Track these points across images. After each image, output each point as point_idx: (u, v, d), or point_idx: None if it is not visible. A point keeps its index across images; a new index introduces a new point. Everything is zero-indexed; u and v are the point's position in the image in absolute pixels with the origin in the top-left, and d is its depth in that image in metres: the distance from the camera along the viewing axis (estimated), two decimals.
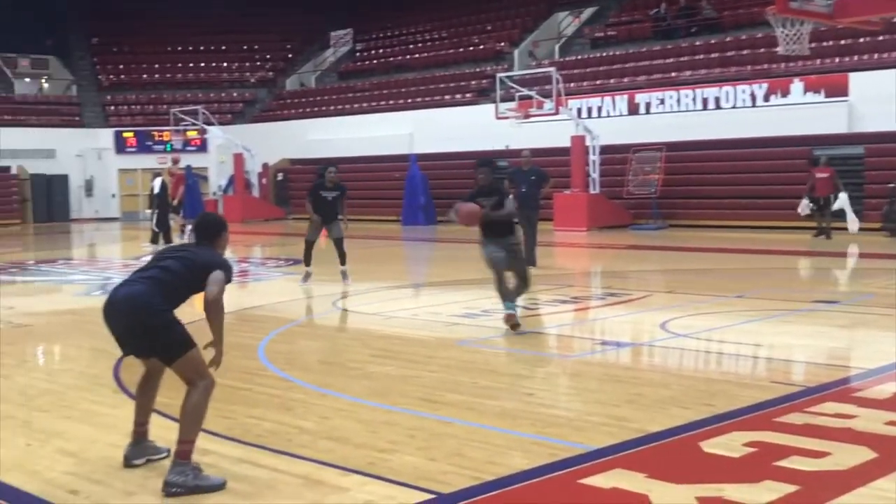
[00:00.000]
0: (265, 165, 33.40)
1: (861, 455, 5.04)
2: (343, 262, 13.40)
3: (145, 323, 4.83)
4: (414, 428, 5.86)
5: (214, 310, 4.90)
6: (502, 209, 9.26)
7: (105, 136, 36.27)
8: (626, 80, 26.76)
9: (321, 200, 13.10)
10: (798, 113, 22.27)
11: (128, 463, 5.20)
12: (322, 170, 13.72)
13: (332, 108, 34.18)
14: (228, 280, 4.98)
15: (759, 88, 23.26)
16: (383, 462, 5.15)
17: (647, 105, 25.11)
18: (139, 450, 5.25)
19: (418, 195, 27.83)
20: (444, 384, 7.10)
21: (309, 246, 13.43)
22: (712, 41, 26.72)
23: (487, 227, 9.25)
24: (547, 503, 4.62)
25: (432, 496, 4.61)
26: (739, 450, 5.18)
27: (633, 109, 25.34)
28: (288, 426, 5.96)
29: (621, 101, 25.60)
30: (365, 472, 4.98)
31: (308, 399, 6.73)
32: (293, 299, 12.40)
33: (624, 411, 6.14)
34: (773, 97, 23.02)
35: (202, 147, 35.30)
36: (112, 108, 38.07)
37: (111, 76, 39.05)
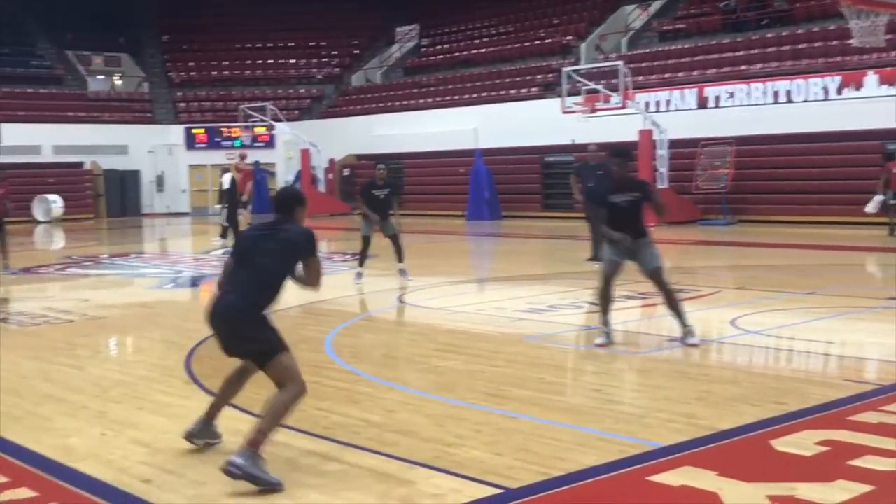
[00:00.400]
0: (331, 161, 33.67)
1: None
2: (401, 259, 13.31)
3: (240, 330, 5.08)
4: (480, 422, 5.86)
5: (312, 288, 5.43)
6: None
7: (176, 132, 36.90)
8: (695, 73, 26.42)
9: (373, 199, 13.11)
10: (872, 106, 21.74)
11: (189, 439, 5.40)
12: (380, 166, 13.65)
13: (397, 103, 34.31)
14: (316, 248, 5.28)
15: (832, 81, 22.77)
16: (449, 456, 5.16)
17: (717, 98, 24.74)
18: (204, 431, 5.40)
19: (483, 190, 27.82)
20: (510, 379, 7.09)
21: (366, 244, 13.34)
22: (784, 33, 26.22)
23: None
24: (615, 500, 4.59)
25: (499, 490, 4.60)
26: (811, 448, 5.09)
27: (702, 103, 24.99)
28: (355, 419, 6.01)
29: (690, 94, 25.27)
30: (431, 465, 5.00)
31: (374, 392, 6.77)
32: (358, 294, 12.49)
33: (693, 408, 6.06)
34: (846, 90, 22.51)
35: (270, 143, 35.69)
36: (182, 104, 38.71)
37: (182, 73, 39.71)
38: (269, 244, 5.17)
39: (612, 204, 8.22)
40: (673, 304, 8.35)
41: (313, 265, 5.26)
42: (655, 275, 8.32)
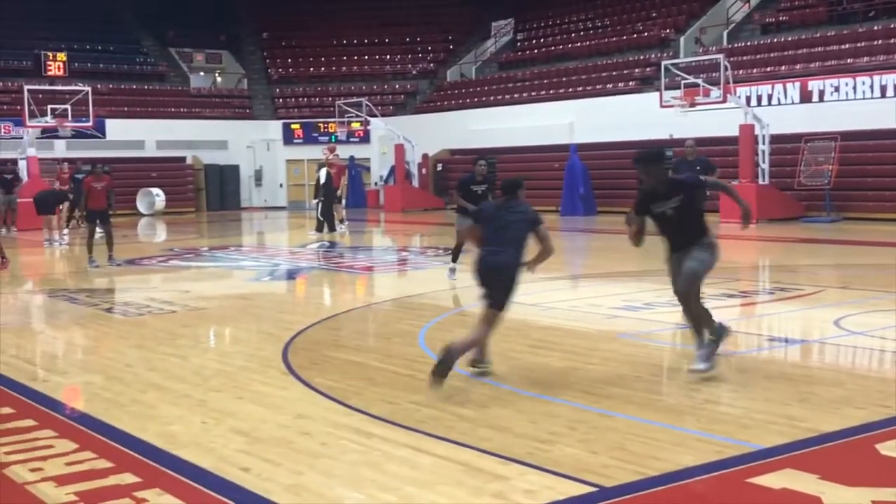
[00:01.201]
0: (425, 156, 33.81)
1: None
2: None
3: (509, 281, 6.81)
4: (575, 420, 5.81)
5: (550, 253, 7.10)
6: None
7: (274, 127, 37.54)
8: (798, 66, 25.72)
9: (472, 194, 13.04)
10: None
11: (474, 365, 7.01)
12: (476, 162, 13.55)
13: (492, 98, 34.26)
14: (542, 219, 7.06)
15: None
16: (543, 452, 5.13)
17: (821, 93, 24.05)
18: (481, 361, 7.04)
19: (578, 185, 27.60)
20: (605, 377, 7.02)
21: (462, 240, 13.28)
22: (892, 25, 25.32)
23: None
24: (713, 502, 4.50)
25: (594, 489, 4.56)
26: None
27: (805, 97, 24.34)
28: (448, 413, 6.01)
29: (793, 88, 24.63)
30: (525, 461, 4.98)
31: (467, 387, 6.77)
32: (451, 288, 12.50)
33: (794, 410, 5.91)
34: None
35: (365, 138, 36.03)
36: (280, 100, 39.34)
37: (280, 69, 40.36)
38: (511, 216, 6.93)
39: (659, 214, 7.01)
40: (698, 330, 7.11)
41: (545, 232, 7.00)
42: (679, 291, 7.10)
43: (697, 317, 7.07)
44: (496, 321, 6.90)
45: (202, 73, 40.17)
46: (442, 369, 6.43)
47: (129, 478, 4.86)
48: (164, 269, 15.93)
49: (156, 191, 33.13)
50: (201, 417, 6.07)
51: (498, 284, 6.81)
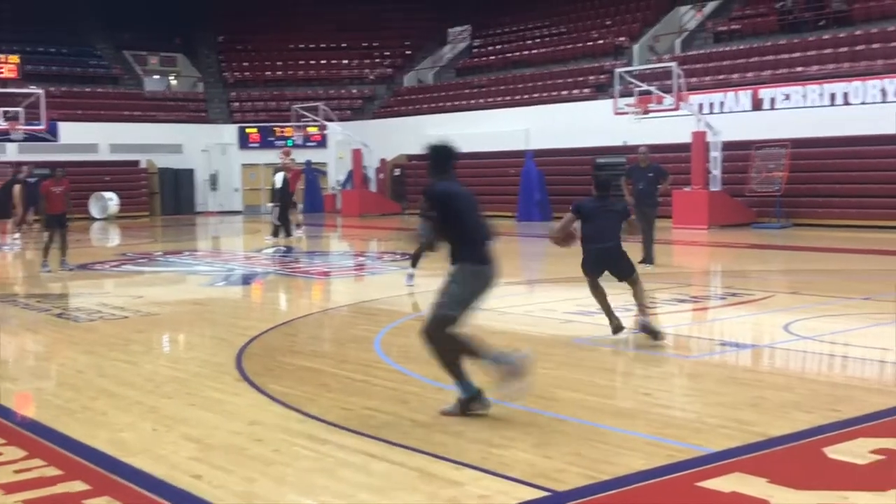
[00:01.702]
0: (383, 161, 33.80)
1: None
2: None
3: (624, 259, 8.86)
4: (529, 424, 5.84)
5: (636, 232, 9.82)
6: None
7: (229, 131, 37.32)
8: (749, 74, 26.10)
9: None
10: None
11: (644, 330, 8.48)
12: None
13: (449, 104, 34.35)
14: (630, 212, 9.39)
15: (891, 83, 22.36)
16: (497, 457, 5.15)
17: (772, 100, 24.42)
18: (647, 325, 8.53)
19: (534, 191, 27.74)
20: (559, 382, 7.06)
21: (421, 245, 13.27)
22: (841, 35, 25.80)
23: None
24: None
25: (547, 493, 4.58)
26: (866, 457, 5.00)
27: (756, 105, 24.69)
28: (403, 419, 6.02)
29: (745, 96, 24.98)
30: (479, 466, 4.99)
31: (423, 392, 6.77)
32: (408, 293, 12.51)
33: (745, 414, 5.99)
34: None
35: (322, 143, 35.94)
36: (236, 104, 39.12)
37: (236, 73, 40.14)
38: (607, 212, 8.79)
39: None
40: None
41: (632, 220, 8.99)
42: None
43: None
44: (639, 282, 8.77)
45: (157, 77, 39.84)
46: (655, 335, 8.36)
47: (78, 485, 4.81)
48: (116, 274, 15.76)
49: (109, 195, 32.77)
50: (152, 424, 6.02)
51: (622, 263, 8.78)
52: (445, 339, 5.95)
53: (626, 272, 8.81)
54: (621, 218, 8.88)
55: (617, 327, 8.80)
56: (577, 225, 8.86)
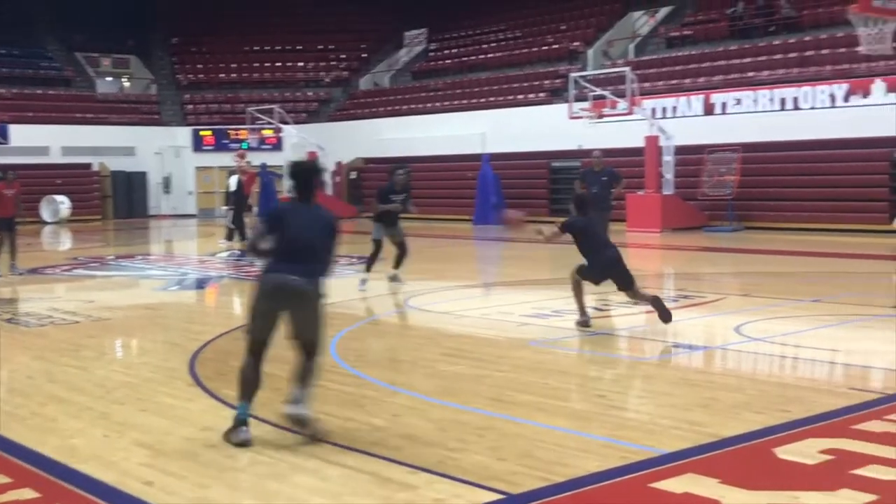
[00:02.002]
0: (339, 164, 33.70)
1: None
2: (398, 266, 13.26)
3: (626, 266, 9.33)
4: (484, 427, 5.85)
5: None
6: None
7: (183, 134, 36.97)
8: (701, 79, 26.38)
9: (390, 203, 13.05)
10: (879, 114, 21.69)
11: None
12: (393, 169, 13.64)
13: (405, 107, 34.34)
14: None
15: (839, 89, 22.74)
16: (452, 461, 5.16)
17: (724, 105, 24.71)
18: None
19: (490, 195, 27.81)
20: (514, 384, 7.09)
21: (377, 248, 13.25)
22: (791, 41, 26.18)
23: None
24: None
25: (501, 496, 4.60)
26: (815, 457, 5.07)
27: (708, 110, 24.97)
28: (359, 423, 6.01)
29: (697, 101, 25.25)
30: (434, 470, 5.00)
31: (379, 396, 6.77)
32: (364, 297, 12.48)
33: (697, 415, 6.05)
34: (853, 98, 22.47)
35: (277, 146, 35.72)
36: (190, 106, 38.77)
37: (190, 75, 39.78)
38: (595, 224, 9.69)
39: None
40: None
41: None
42: None
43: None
44: (637, 289, 9.34)
45: (109, 78, 39.37)
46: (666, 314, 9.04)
47: (28, 493, 4.74)
48: (68, 279, 15.55)
49: (60, 198, 32.31)
50: (103, 430, 5.95)
51: (624, 272, 9.24)
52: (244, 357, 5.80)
53: (627, 282, 9.30)
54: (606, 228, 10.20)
55: (584, 323, 9.22)
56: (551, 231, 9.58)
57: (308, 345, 5.76)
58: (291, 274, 5.61)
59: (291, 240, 5.68)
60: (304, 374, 5.73)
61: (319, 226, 5.80)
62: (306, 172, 6.00)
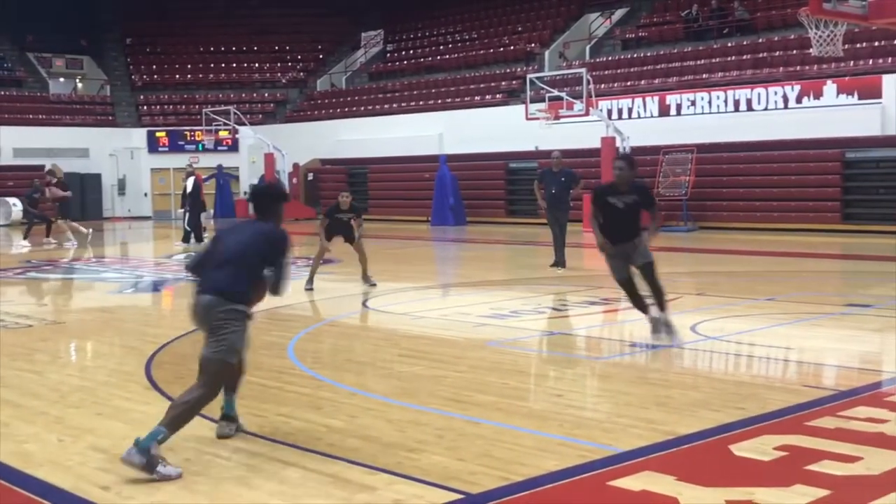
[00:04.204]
0: (296, 165, 33.53)
1: (893, 460, 4.99)
2: (364, 276, 13.20)
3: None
4: (442, 428, 5.86)
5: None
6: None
7: (138, 135, 36.59)
8: (657, 81, 26.63)
9: (337, 222, 13.16)
10: (831, 115, 22.06)
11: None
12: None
13: (362, 108, 34.28)
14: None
15: (792, 90, 23.07)
16: (411, 461, 5.16)
17: (678, 106, 24.96)
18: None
19: (448, 196, 27.84)
20: (472, 384, 7.10)
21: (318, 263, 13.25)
22: (744, 42, 26.52)
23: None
24: None
25: (460, 496, 4.61)
26: (770, 453, 5.14)
27: (663, 111, 25.21)
28: (317, 425, 5.98)
29: (652, 102, 25.48)
30: (393, 471, 5.00)
31: (337, 398, 6.75)
32: (322, 299, 12.44)
33: (653, 413, 6.11)
34: (805, 99, 22.82)
35: (233, 147, 35.49)
36: (145, 107, 38.39)
37: (144, 76, 39.38)
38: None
39: (610, 205, 8.34)
40: (660, 302, 8.39)
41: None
42: (646, 269, 8.39)
43: (663, 299, 8.46)
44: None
45: (62, 79, 38.84)
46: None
47: None
48: (20, 282, 15.32)
49: (13, 200, 31.82)
50: (58, 435, 5.87)
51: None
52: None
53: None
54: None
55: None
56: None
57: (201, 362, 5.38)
58: (204, 291, 5.39)
59: (216, 254, 5.51)
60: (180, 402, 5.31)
61: (249, 239, 5.50)
62: (262, 196, 5.80)
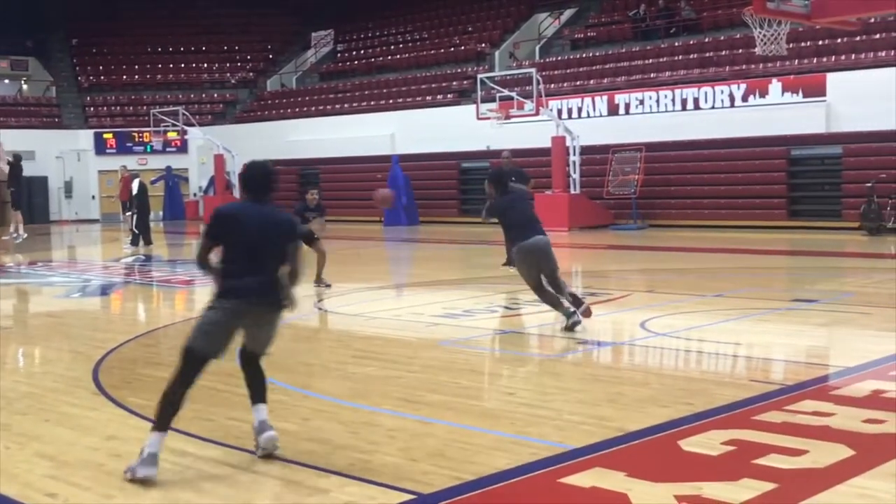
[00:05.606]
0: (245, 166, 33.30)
1: (839, 453, 5.07)
2: (318, 278, 13.13)
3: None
4: (395, 428, 5.86)
5: None
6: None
7: (85, 137, 36.08)
8: (605, 80, 26.84)
9: (305, 220, 13.12)
10: (776, 113, 22.40)
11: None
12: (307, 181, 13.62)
13: (313, 108, 34.12)
14: None
15: (738, 89, 23.38)
16: (363, 463, 5.15)
17: (627, 106, 25.18)
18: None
19: (400, 196, 27.79)
20: (425, 384, 7.11)
21: None
22: (691, 42, 26.83)
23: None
24: (527, 502, 4.64)
25: (413, 496, 4.61)
26: (718, 448, 5.21)
27: (612, 110, 25.41)
28: None
29: (601, 101, 25.67)
30: (345, 473, 4.99)
31: (289, 400, 6.71)
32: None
33: (604, 410, 6.16)
34: (751, 97, 23.13)
35: (182, 148, 35.15)
36: (91, 109, 37.87)
37: (91, 77, 38.84)
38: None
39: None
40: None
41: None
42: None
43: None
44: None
45: (7, 81, 38.22)
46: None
47: None
48: None
49: None
50: (4, 442, 5.77)
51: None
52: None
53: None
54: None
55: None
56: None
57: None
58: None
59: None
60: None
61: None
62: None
